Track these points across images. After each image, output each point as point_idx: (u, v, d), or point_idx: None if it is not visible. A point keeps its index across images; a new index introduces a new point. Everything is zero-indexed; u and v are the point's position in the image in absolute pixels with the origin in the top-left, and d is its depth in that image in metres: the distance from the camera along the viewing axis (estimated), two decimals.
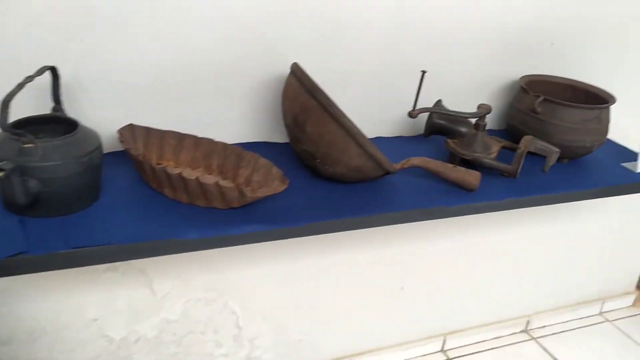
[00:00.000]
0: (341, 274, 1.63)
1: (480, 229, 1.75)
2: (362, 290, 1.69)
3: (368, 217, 1.15)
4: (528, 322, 2.05)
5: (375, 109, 1.44)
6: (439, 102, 1.39)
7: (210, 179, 1.15)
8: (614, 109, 1.46)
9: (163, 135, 1.20)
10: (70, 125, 1.05)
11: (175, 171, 1.05)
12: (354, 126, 1.09)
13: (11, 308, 1.30)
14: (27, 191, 0.95)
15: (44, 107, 1.10)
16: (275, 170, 1.14)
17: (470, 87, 1.52)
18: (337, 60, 1.32)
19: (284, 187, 1.09)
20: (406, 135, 1.51)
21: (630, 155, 1.54)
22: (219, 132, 1.27)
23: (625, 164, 1.49)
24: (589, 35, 1.59)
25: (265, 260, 1.50)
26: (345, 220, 1.13)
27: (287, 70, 1.25)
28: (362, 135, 1.10)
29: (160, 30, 1.15)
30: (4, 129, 0.92)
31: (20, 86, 0.94)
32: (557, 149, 1.31)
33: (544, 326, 2.07)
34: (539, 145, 1.30)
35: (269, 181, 1.13)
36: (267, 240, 1.09)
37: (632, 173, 1.45)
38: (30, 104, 1.11)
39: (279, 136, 1.37)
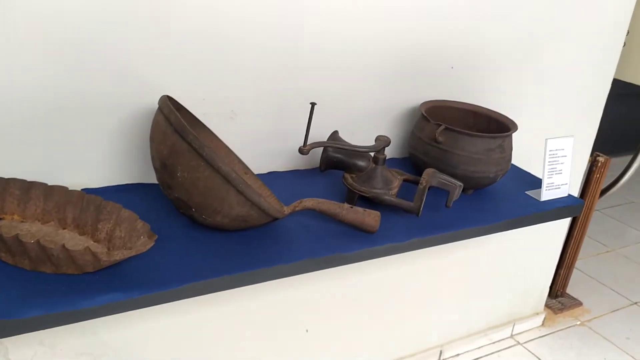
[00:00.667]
0: (238, 324, 1.47)
1: (384, 265, 1.64)
2: (266, 335, 1.53)
3: (254, 272, 1.00)
4: (441, 352, 1.97)
5: (267, 141, 1.30)
6: (334, 133, 1.27)
7: (56, 240, 0.96)
8: (515, 133, 1.41)
9: (5, 184, 1.00)
10: None
11: (11, 233, 0.86)
12: (232, 171, 0.94)
13: None
14: None
15: None
16: (140, 224, 0.96)
17: (370, 114, 1.42)
18: (223, 87, 1.18)
19: (151, 244, 0.92)
20: (302, 168, 1.38)
21: (534, 181, 1.49)
22: (77, 178, 1.08)
23: (529, 192, 1.44)
24: (489, 60, 1.54)
25: (143, 317, 1.32)
26: (227, 277, 0.97)
27: (153, 105, 1.09)
28: (243, 182, 0.95)
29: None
30: None
31: None
32: (459, 183, 1.22)
33: (458, 354, 2.01)
34: (441, 179, 1.21)
35: (134, 237, 0.96)
36: (130, 310, 0.91)
37: (536, 202, 1.39)
38: None
39: (150, 177, 1.20)
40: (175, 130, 0.95)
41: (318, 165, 1.36)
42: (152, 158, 1.03)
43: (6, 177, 1.01)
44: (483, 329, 2.07)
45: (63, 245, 0.85)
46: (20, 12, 0.95)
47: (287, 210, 1.07)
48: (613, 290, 2.50)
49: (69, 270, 0.90)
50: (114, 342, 1.30)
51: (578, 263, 2.49)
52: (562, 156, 1.41)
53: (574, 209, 1.43)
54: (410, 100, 1.47)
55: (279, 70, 1.23)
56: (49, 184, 1.02)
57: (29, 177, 1.02)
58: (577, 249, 2.31)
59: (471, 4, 1.43)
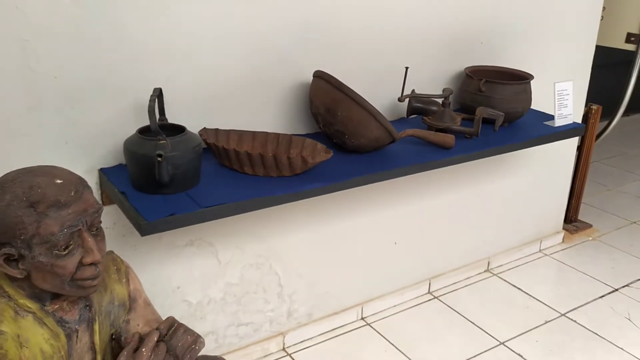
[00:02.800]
0: (351, 236, 2.08)
1: (446, 189, 2.26)
2: (367, 247, 2.15)
3: (387, 172, 1.63)
4: (489, 263, 2.58)
5: (373, 100, 1.92)
6: (413, 91, 1.90)
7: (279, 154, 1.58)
8: (533, 85, 2.03)
9: (228, 133, 1.63)
10: (175, 129, 1.46)
11: (256, 151, 1.49)
12: (373, 107, 1.57)
13: None
14: (167, 172, 1.35)
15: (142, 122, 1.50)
16: (319, 145, 1.59)
17: (430, 79, 2.04)
18: (341, 64, 1.80)
19: (330, 155, 1.54)
20: (393, 119, 2.01)
21: (548, 117, 2.12)
22: (268, 129, 1.71)
23: (546, 122, 2.07)
24: (509, 31, 2.17)
25: (297, 229, 1.93)
26: (374, 174, 1.60)
27: (303, 80, 1.72)
28: (379, 113, 1.58)
29: (214, 57, 1.59)
30: (153, 129, 1.33)
31: (153, 101, 1.35)
32: (502, 113, 1.85)
33: (501, 265, 2.62)
34: (489, 112, 1.84)
35: (316, 154, 1.58)
36: (323, 194, 1.54)
37: (552, 127, 2.02)
38: (131, 118, 1.51)
39: (302, 129, 1.82)
40: (334, 87, 1.58)
41: (403, 116, 1.99)
42: (317, 108, 1.65)
43: (227, 129, 1.64)
44: (517, 245, 2.68)
45: (287, 156, 1.48)
46: (234, 19, 1.59)
47: (399, 135, 1.70)
48: (616, 215, 3.12)
49: (286, 173, 1.52)
50: (277, 247, 1.92)
51: (585, 199, 3.11)
52: (566, 94, 2.04)
53: (579, 130, 2.07)
54: (453, 68, 2.09)
55: (376, 50, 1.86)
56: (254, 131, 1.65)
57: (241, 128, 1.65)
58: (583, 182, 2.93)
59: None
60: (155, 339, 1.04)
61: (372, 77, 1.90)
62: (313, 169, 1.57)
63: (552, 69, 2.37)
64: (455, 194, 2.31)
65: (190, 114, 1.60)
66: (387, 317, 2.24)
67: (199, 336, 1.09)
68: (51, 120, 1.41)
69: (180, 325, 1.09)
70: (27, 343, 1.03)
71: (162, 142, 1.36)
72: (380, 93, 1.93)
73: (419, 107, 1.90)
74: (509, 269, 2.60)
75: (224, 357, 1.43)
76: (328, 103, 1.61)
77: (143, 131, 1.42)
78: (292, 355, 2.02)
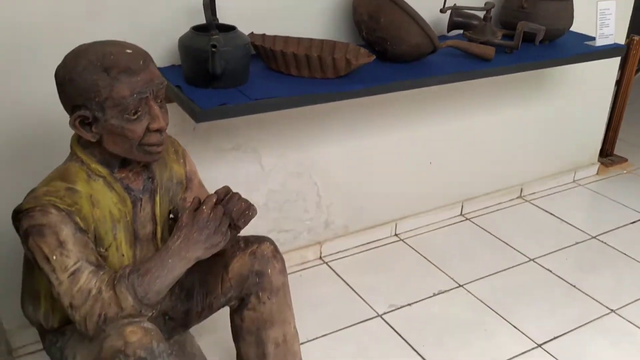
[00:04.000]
0: (389, 152, 2.15)
1: (484, 111, 2.30)
2: (403, 165, 2.21)
3: (426, 78, 1.68)
4: (522, 190, 2.63)
5: None
6: (454, 5, 1.92)
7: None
8: (576, 6, 2.03)
9: (274, 38, 1.69)
10: (226, 29, 1.52)
11: (302, 52, 1.55)
12: (416, 12, 1.61)
13: None
14: (220, 64, 1.42)
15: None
16: (362, 50, 1.64)
17: None
18: None
19: (373, 57, 1.60)
20: None
21: (589, 38, 2.12)
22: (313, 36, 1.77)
23: (587, 42, 2.07)
24: None
25: (338, 141, 2.01)
26: (415, 80, 1.65)
27: None
28: (422, 19, 1.62)
29: None
30: (208, 22, 1.40)
31: None
32: (543, 27, 1.87)
33: (534, 192, 2.66)
34: (531, 25, 1.85)
35: (359, 57, 1.63)
36: (365, 96, 1.60)
37: (593, 46, 2.03)
38: (184, 19, 1.58)
39: (345, 39, 1.87)
40: None
41: (443, 32, 2.02)
42: (360, 14, 1.69)
43: (273, 34, 1.70)
44: (552, 174, 2.71)
45: (332, 57, 1.53)
46: None
47: (440, 45, 1.73)
48: None
49: (330, 75, 1.58)
50: (317, 158, 2.00)
51: (622, 134, 3.10)
52: (609, 14, 2.03)
53: (620, 51, 2.07)
54: None
55: None
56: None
57: (285, 34, 1.71)
58: (620, 115, 2.91)
59: None
60: (214, 200, 1.13)
61: None
62: (356, 73, 1.62)
63: None
64: (493, 117, 2.34)
65: (239, 19, 1.66)
66: (420, 234, 2.32)
67: (252, 204, 1.18)
68: (107, 22, 1.49)
69: (236, 193, 1.17)
70: (98, 204, 1.14)
71: (215, 36, 1.42)
72: (422, 7, 1.94)
73: (459, 22, 1.92)
74: (542, 197, 2.64)
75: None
76: (372, 10, 1.65)
77: (197, 29, 1.49)
78: (328, 263, 2.13)
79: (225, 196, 1.17)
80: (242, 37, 1.51)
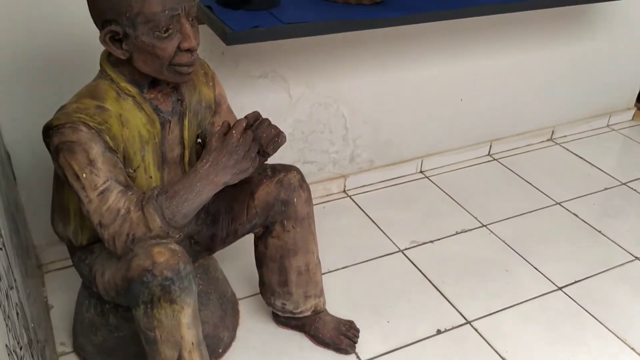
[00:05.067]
0: (418, 87, 2.09)
1: (518, 48, 2.21)
2: (433, 101, 2.16)
3: (466, 9, 1.60)
4: (553, 132, 2.56)
5: None
6: None
7: None
8: None
9: None
10: None
11: None
12: None
13: None
14: None
15: None
16: None
17: None
18: None
19: None
20: None
21: None
22: None
23: None
24: None
25: (367, 73, 1.95)
26: (448, 11, 1.58)
27: None
28: None
29: None
30: None
31: None
32: None
33: (565, 135, 2.59)
34: None
35: None
36: (400, 25, 1.54)
37: None
38: None
39: None
40: None
41: None
42: None
43: None
44: (585, 117, 2.63)
45: None
46: None
47: None
48: None
49: (366, 1, 1.51)
50: (346, 90, 1.95)
51: None
52: None
53: None
54: None
55: None
56: None
57: None
58: None
59: None
60: (244, 125, 1.11)
61: None
62: (391, 0, 1.56)
63: None
64: (527, 54, 2.25)
65: None
66: (446, 173, 2.30)
67: (281, 131, 1.16)
68: None
69: (266, 119, 1.15)
70: (127, 123, 1.13)
71: None
72: None
73: None
74: (573, 140, 2.58)
75: None
76: None
77: None
78: (352, 197, 2.12)
79: (255, 121, 1.14)
80: None
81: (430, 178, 2.26)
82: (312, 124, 1.96)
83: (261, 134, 1.13)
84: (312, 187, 2.07)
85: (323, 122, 1.98)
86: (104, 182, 1.07)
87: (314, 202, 2.04)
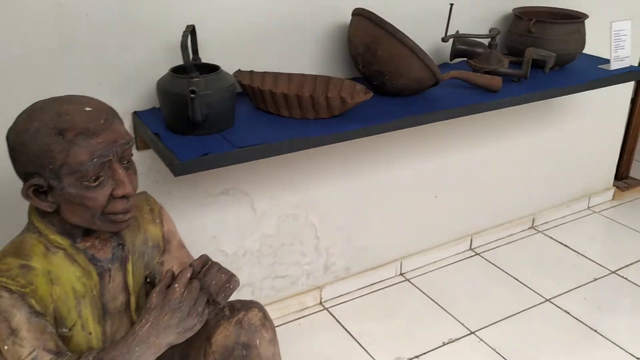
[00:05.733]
0: (390, 188, 2.01)
1: (491, 140, 2.16)
2: (406, 200, 2.07)
3: (430, 114, 1.54)
4: (533, 220, 2.48)
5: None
6: (457, 32, 1.79)
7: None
8: (588, 28, 1.89)
9: (263, 75, 1.56)
10: (209, 69, 1.40)
11: (293, 92, 1.42)
12: (416, 45, 1.48)
13: None
14: (201, 110, 1.29)
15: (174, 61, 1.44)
16: (358, 86, 1.51)
17: (475, 21, 1.92)
18: (380, 3, 1.70)
19: (370, 95, 1.46)
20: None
21: (603, 61, 1.98)
22: (304, 71, 1.64)
23: (601, 66, 1.93)
24: None
25: (336, 179, 1.87)
26: (416, 117, 1.51)
27: (341, 21, 1.63)
28: (423, 51, 1.49)
29: None
30: (186, 65, 1.27)
31: (185, 36, 1.29)
32: (553, 54, 1.73)
33: (546, 222, 2.51)
34: (540, 52, 1.72)
35: (355, 95, 1.50)
36: (362, 137, 1.46)
37: (607, 70, 1.89)
38: (164, 59, 1.45)
39: (340, 72, 1.74)
40: (376, 24, 1.48)
41: (446, 60, 1.89)
42: (355, 48, 1.57)
43: (262, 71, 1.57)
44: (565, 202, 2.56)
45: (325, 95, 1.40)
46: None
47: (443, 76, 1.60)
48: None
49: (324, 115, 1.45)
50: (315, 198, 1.86)
51: (638, 155, 2.95)
52: (624, 35, 1.89)
53: (636, 74, 1.92)
54: (501, 9, 1.97)
55: None
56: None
57: (276, 70, 1.58)
58: (636, 136, 2.76)
59: None
60: (189, 275, 1.00)
61: (414, 19, 1.79)
62: (352, 111, 1.49)
63: (608, 8, 2.21)
64: (501, 145, 2.20)
65: (224, 56, 1.53)
66: (427, 273, 2.18)
67: (233, 275, 1.04)
68: (83, 60, 1.36)
69: (215, 263, 1.04)
70: (58, 280, 1.00)
71: (195, 79, 1.30)
72: (422, 36, 1.82)
73: (463, 50, 1.79)
74: (555, 226, 2.49)
75: None
76: (368, 41, 1.52)
77: (176, 70, 1.36)
78: (329, 309, 1.98)
79: (203, 268, 1.03)
80: (227, 78, 1.38)
81: (411, 280, 2.13)
82: (281, 236, 1.85)
83: (210, 282, 1.01)
84: (285, 303, 1.93)
85: (292, 233, 1.87)
86: (30, 353, 0.93)
87: (288, 320, 1.91)
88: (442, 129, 1.98)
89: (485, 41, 1.78)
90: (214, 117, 1.34)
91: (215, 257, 1.73)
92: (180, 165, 1.23)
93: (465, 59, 1.81)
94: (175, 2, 1.42)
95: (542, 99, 1.75)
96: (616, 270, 2.18)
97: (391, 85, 1.56)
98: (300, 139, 1.37)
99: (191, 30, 1.38)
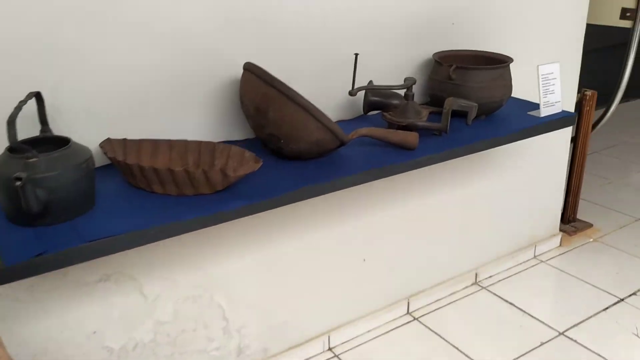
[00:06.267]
0: (309, 255, 1.79)
1: (420, 195, 1.96)
2: (329, 268, 1.85)
3: (333, 181, 1.33)
4: (477, 275, 2.28)
5: (317, 98, 1.62)
6: (370, 82, 1.60)
7: (194, 168, 1.28)
8: (516, 70, 1.73)
9: (139, 143, 1.33)
10: (61, 143, 1.16)
11: (164, 166, 1.19)
12: (311, 104, 1.28)
13: (12, 333, 1.36)
14: (38, 199, 1.05)
15: (28, 133, 1.20)
16: (247, 153, 1.29)
17: (392, 69, 1.74)
18: (280, 56, 1.50)
19: (260, 164, 1.25)
20: (346, 118, 1.71)
21: (533, 106, 1.82)
22: (190, 136, 1.41)
23: (531, 112, 1.76)
24: (485, 10, 1.87)
25: (242, 252, 1.64)
26: (314, 186, 1.30)
27: (235, 76, 1.42)
28: (319, 111, 1.29)
29: (119, 54, 1.29)
30: (13, 145, 1.03)
31: (18, 109, 1.06)
32: (475, 104, 1.55)
33: (491, 276, 2.32)
34: (460, 103, 1.54)
35: (244, 164, 1.28)
36: (251, 214, 1.24)
37: (537, 118, 1.72)
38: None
39: (238, 134, 1.53)
40: (265, 81, 1.28)
41: (359, 114, 1.70)
42: (246, 108, 1.36)
43: (138, 138, 1.34)
44: (509, 252, 2.38)
45: (202, 170, 1.18)
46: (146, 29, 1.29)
47: (349, 137, 1.40)
48: (618, 211, 2.81)
49: (204, 190, 1.22)
50: (218, 276, 1.62)
51: (585, 194, 2.82)
52: (553, 78, 1.74)
53: (569, 120, 1.76)
54: (422, 54, 1.80)
55: (327, 36, 1.56)
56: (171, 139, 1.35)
57: (158, 136, 1.35)
58: (580, 176, 2.63)
59: None
60: None
61: (321, 70, 1.60)
62: (240, 183, 1.27)
63: (536, 51, 2.07)
64: (434, 198, 2.01)
65: (91, 123, 1.31)
66: (359, 345, 1.94)
67: None
68: None
69: None
70: None
71: (31, 159, 1.06)
72: (332, 89, 1.63)
73: (377, 102, 1.60)
74: (500, 280, 2.30)
75: None
76: (257, 101, 1.31)
77: (14, 149, 1.12)
78: None
79: None
80: (79, 153, 1.14)
81: (340, 357, 1.89)
82: (180, 322, 1.60)
83: None
84: None
85: (194, 317, 1.62)
86: None
87: None
88: (359, 189, 1.78)
89: (402, 92, 1.60)
90: (60, 204, 1.10)
91: (97, 355, 1.47)
92: (5, 272, 0.98)
93: (381, 111, 1.62)
94: (17, 66, 1.19)
95: (466, 154, 1.56)
96: (564, 332, 1.99)
97: (288, 149, 1.35)
98: (172, 224, 1.14)
99: (36, 98, 1.15)
